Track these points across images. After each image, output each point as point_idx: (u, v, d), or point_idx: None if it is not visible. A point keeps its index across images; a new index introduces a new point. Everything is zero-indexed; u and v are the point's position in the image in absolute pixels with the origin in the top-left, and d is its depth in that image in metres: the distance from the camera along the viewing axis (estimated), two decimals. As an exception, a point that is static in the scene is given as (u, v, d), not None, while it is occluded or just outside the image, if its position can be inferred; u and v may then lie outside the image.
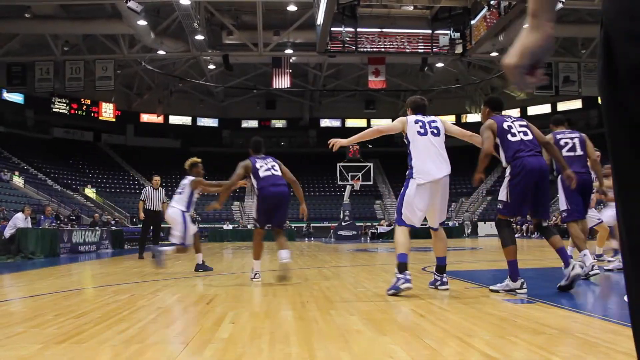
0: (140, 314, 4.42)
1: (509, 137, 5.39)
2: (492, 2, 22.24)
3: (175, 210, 8.73)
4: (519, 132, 5.43)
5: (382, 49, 25.51)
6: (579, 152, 6.69)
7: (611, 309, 4.68)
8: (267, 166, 7.03)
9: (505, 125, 5.47)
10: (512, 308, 4.52)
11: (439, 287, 5.61)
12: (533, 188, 5.23)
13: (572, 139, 6.77)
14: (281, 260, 6.70)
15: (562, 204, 6.73)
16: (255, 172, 6.97)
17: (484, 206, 43.12)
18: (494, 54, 33.25)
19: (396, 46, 25.29)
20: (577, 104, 44.78)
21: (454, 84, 43.23)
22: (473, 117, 49.69)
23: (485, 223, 38.14)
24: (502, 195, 5.39)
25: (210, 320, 4.04)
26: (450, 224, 35.79)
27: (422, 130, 5.47)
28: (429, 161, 5.37)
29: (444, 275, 5.66)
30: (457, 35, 24.48)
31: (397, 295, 5.16)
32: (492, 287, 5.43)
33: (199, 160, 9.09)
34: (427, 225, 5.71)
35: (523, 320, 3.86)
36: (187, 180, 8.90)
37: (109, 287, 6.62)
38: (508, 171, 5.37)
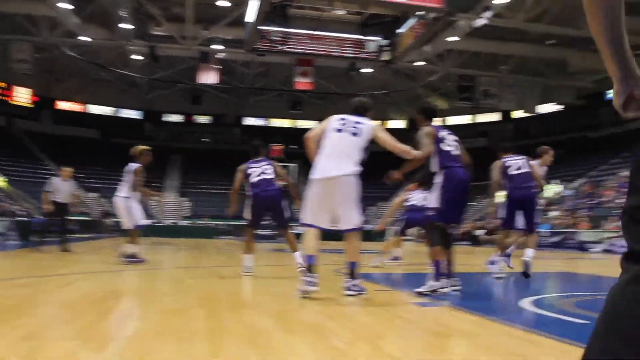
0: (41, 310, 4.26)
1: (443, 146, 5.65)
2: (420, 13, 22.77)
3: (118, 198, 8.96)
4: (451, 144, 5.73)
5: (311, 51, 25.66)
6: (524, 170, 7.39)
7: (509, 313, 4.89)
8: (259, 171, 7.37)
9: (440, 134, 5.74)
10: (421, 311, 4.66)
11: (344, 292, 5.27)
12: (460, 197, 5.60)
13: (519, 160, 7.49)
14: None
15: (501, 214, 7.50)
16: (247, 178, 7.41)
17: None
18: (420, 63, 34.01)
19: (325, 49, 25.50)
20: (495, 116, 46.55)
21: (379, 89, 43.93)
22: (396, 124, 50.71)
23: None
24: (433, 202, 5.65)
25: (115, 317, 3.95)
26: (370, 227, 36.34)
27: (340, 128, 5.33)
28: (331, 159, 5.17)
29: (354, 280, 5.28)
30: (386, 42, 24.94)
31: (306, 297, 5.09)
32: (417, 290, 5.48)
33: (149, 148, 9.15)
34: (337, 228, 5.39)
35: (431, 324, 3.99)
36: (132, 167, 8.91)
37: (9, 281, 6.32)
38: (440, 179, 5.58)
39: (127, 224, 8.85)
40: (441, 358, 2.89)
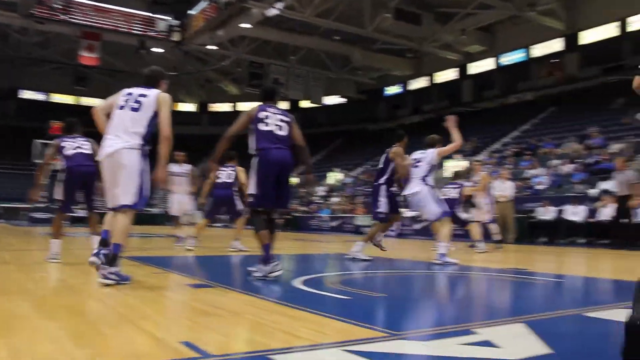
0: None
1: (260, 126, 5.41)
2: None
3: None
4: (275, 124, 5.47)
5: (97, 24, 24.20)
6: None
7: (280, 292, 5.13)
8: (75, 145, 6.89)
9: (261, 114, 5.47)
10: (192, 292, 4.70)
11: (100, 280, 4.63)
12: (274, 180, 5.35)
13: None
14: None
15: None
16: (60, 152, 6.83)
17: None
18: (212, 47, 33.87)
19: (112, 23, 24.24)
20: (283, 105, 47.96)
21: (170, 71, 42.89)
22: (186, 107, 49.96)
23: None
24: (251, 187, 5.44)
25: None
26: (156, 210, 35.41)
27: (122, 104, 5.00)
28: (112, 136, 4.89)
29: (112, 267, 4.64)
30: (176, 23, 24.42)
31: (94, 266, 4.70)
32: (249, 268, 5.44)
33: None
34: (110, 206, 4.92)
35: (198, 303, 4.04)
36: None
37: None
38: (255, 162, 5.42)
39: None
40: (203, 336, 2.95)
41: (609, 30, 27.77)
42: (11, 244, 11.19)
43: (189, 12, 24.56)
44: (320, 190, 31.52)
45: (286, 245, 12.16)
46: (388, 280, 6.38)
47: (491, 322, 3.45)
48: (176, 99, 48.75)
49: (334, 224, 24.73)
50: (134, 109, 4.94)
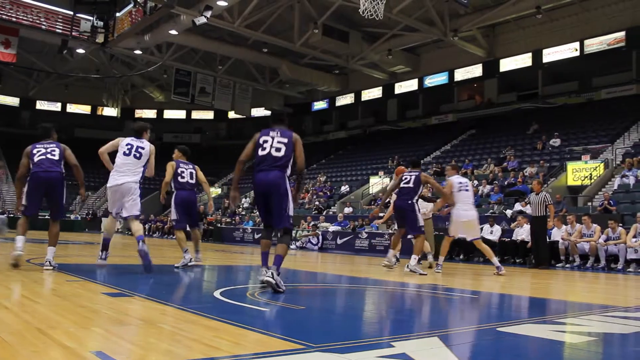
0: None
1: (259, 151, 5.84)
2: (138, 0, 22.15)
3: None
4: (273, 146, 5.81)
5: (14, 19, 23.15)
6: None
7: (198, 303, 5.06)
8: (43, 151, 6.92)
9: (262, 139, 5.91)
10: (107, 301, 4.55)
11: None
12: (262, 199, 5.80)
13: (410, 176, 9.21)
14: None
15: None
16: (31, 159, 6.88)
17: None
18: (138, 51, 33.15)
19: (31, 19, 23.27)
20: (209, 114, 47.49)
21: (93, 73, 41.65)
22: (109, 111, 48.55)
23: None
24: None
25: None
26: (73, 217, 34.22)
27: (127, 152, 7.19)
28: (120, 173, 7.16)
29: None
30: (101, 23, 23.67)
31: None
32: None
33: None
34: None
35: (113, 312, 3.92)
36: None
37: None
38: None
39: None
40: (117, 346, 2.87)
41: (524, 60, 29.26)
42: None
43: (116, 14, 23.90)
44: (245, 202, 31.32)
45: (208, 255, 12.00)
46: (309, 293, 6.40)
47: (408, 335, 3.52)
48: (99, 102, 47.35)
49: (257, 235, 24.59)
50: (137, 157, 7.22)
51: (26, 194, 6.79)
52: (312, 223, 22.05)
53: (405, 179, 9.25)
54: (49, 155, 6.83)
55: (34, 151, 6.88)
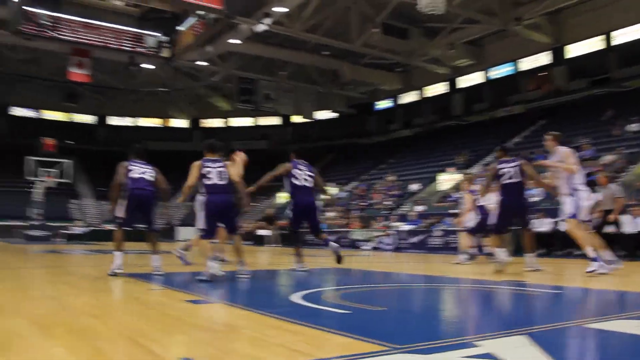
0: None
1: (294, 180, 8.28)
2: (200, 13, 22.66)
3: None
4: (305, 178, 8.25)
5: (87, 41, 24.14)
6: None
7: (278, 307, 5.10)
8: (141, 170, 7.65)
9: (294, 171, 8.27)
10: (190, 308, 4.65)
11: None
12: (306, 216, 8.54)
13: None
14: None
15: None
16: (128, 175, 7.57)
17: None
18: (202, 63, 33.93)
19: (102, 40, 24.18)
20: (275, 120, 48.12)
21: (161, 87, 42.93)
22: (177, 122, 49.95)
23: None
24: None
25: None
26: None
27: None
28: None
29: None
30: (165, 39, 24.38)
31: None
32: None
33: None
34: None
35: (197, 319, 4.00)
36: None
37: None
38: (291, 203, 8.52)
39: None
40: (201, 351, 2.92)
41: (594, 44, 28.16)
42: (7, 262, 11.07)
43: (178, 28, 24.55)
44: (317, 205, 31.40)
45: (284, 260, 12.11)
46: (387, 293, 6.35)
47: (493, 334, 3.43)
48: (166, 115, 48.81)
49: (330, 238, 24.63)
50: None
51: (125, 209, 7.38)
52: (384, 223, 21.94)
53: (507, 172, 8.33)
54: (144, 176, 7.57)
55: (131, 167, 7.56)
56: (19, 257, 13.24)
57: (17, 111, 47.88)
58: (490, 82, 34.16)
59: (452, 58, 32.79)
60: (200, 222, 7.09)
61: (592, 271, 7.46)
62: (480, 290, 6.55)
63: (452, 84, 36.35)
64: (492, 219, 8.71)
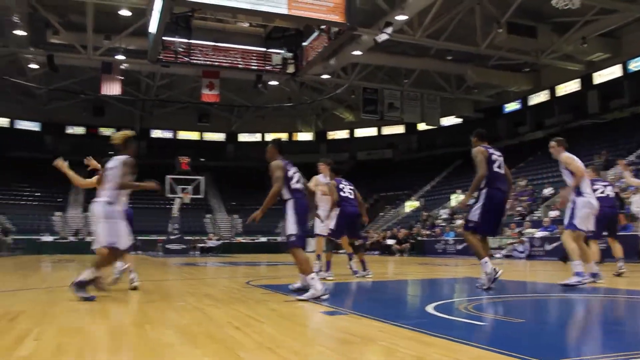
0: None
1: (342, 193, 9.33)
2: (322, 27, 23.10)
3: (98, 205, 6.50)
4: (348, 191, 9.47)
5: (216, 63, 25.36)
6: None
7: (411, 318, 5.06)
8: (348, 188, 9.65)
9: (340, 186, 9.42)
10: (325, 319, 4.75)
11: None
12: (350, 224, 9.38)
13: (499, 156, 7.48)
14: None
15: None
16: (339, 192, 9.53)
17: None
18: (325, 76, 34.57)
19: (230, 61, 25.28)
20: (400, 129, 47.90)
21: (286, 102, 44.22)
22: (304, 136, 51.20)
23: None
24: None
25: (10, 338, 3.78)
26: (279, 239, 36.38)
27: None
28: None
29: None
30: (290, 55, 25.09)
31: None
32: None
33: (134, 133, 7.27)
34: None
35: (333, 331, 4.07)
36: (118, 160, 6.84)
37: None
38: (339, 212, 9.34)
39: (99, 240, 6.39)
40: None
41: None
42: (152, 274, 11.84)
43: (302, 44, 25.17)
44: (444, 213, 30.96)
45: (412, 269, 12.02)
46: (523, 304, 6.11)
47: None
48: (294, 129, 50.19)
49: (459, 247, 24.10)
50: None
51: (338, 226, 9.34)
52: (517, 230, 21.11)
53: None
54: (348, 195, 9.50)
55: (341, 185, 9.42)
56: (160, 270, 14.07)
57: (156, 133, 51.31)
58: (629, 76, 31.81)
59: (586, 53, 30.91)
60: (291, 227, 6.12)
61: (567, 284, 7.04)
62: (625, 301, 6.12)
63: (586, 81, 34.32)
64: None
